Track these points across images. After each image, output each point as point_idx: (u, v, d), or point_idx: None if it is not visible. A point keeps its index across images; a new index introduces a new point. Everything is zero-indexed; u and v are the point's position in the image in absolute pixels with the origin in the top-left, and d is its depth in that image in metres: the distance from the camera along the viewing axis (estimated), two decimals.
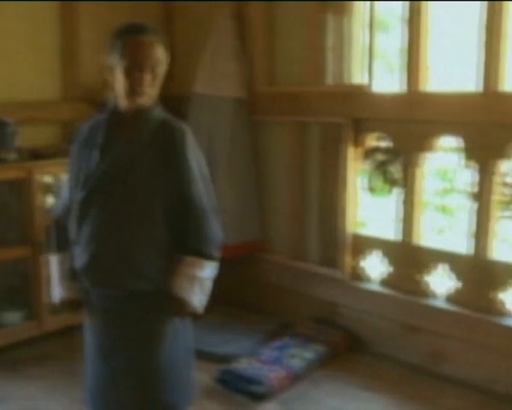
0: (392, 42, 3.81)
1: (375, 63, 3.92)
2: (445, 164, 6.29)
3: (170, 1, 5.05)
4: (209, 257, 2.47)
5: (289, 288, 4.52)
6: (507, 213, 6.41)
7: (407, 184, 3.84)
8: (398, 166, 4.87)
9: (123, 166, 2.37)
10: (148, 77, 2.33)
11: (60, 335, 4.20)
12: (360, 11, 4.08)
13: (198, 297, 2.48)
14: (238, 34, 4.55)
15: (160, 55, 2.37)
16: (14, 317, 4.11)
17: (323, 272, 4.30)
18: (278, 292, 4.59)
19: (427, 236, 4.08)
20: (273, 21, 4.51)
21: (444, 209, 6.49)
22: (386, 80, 3.82)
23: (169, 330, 2.48)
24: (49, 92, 4.59)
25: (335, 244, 4.23)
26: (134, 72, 2.32)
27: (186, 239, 2.45)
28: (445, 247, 3.89)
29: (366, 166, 6.40)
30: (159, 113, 2.46)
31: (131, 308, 2.44)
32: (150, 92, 2.38)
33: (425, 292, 3.83)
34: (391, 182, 6.97)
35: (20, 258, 4.05)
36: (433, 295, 3.81)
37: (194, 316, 2.51)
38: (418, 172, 3.79)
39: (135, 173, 2.36)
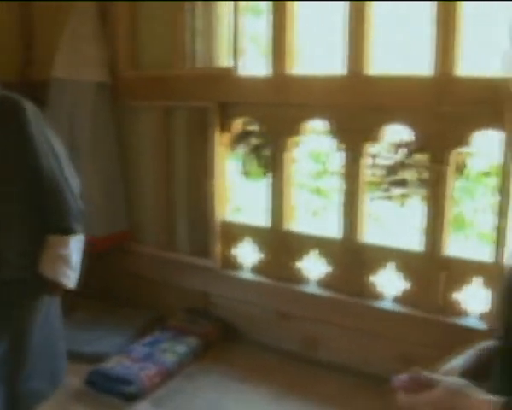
0: (264, 26, 3.70)
1: (241, 46, 3.80)
2: (318, 147, 6.30)
3: None
4: (70, 232, 2.42)
5: (161, 279, 4.36)
6: (378, 195, 6.53)
7: (276, 169, 3.76)
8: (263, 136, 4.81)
9: None
10: None
11: None
12: None
13: (67, 274, 2.44)
14: (99, 16, 4.31)
15: None
16: None
17: (195, 261, 4.18)
18: (150, 284, 4.42)
19: (302, 219, 4.03)
20: (137, 4, 4.30)
21: (318, 191, 6.52)
22: (260, 64, 3.71)
23: (35, 316, 2.44)
24: None
25: (206, 233, 4.11)
26: None
27: (46, 217, 2.40)
28: (316, 231, 3.86)
29: (240, 150, 6.32)
30: None
31: None
32: None
33: (297, 278, 3.78)
34: (265, 166, 6.95)
35: None
36: (306, 281, 3.77)
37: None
38: (287, 156, 3.73)
39: None
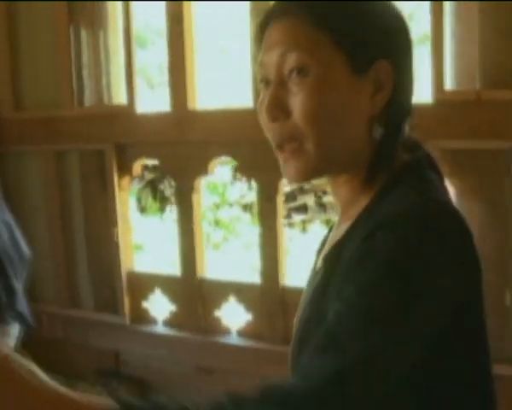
0: (151, 57, 3.40)
1: (135, 81, 3.48)
2: (215, 178, 6.07)
3: None
4: None
5: (64, 339, 3.95)
6: None
7: (183, 214, 3.46)
8: (168, 183, 4.55)
9: None
10: None
11: None
12: (116, 24, 3.62)
13: None
14: None
15: None
16: None
17: (102, 317, 3.80)
18: (54, 346, 4.00)
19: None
20: (16, 37, 3.88)
21: (218, 223, 6.28)
22: (148, 98, 3.42)
23: None
24: None
25: (112, 286, 3.75)
26: None
27: None
28: (233, 277, 3.59)
29: (134, 185, 5.99)
30: None
31: None
32: None
33: (216, 329, 3.48)
34: (161, 200, 6.63)
35: None
36: (226, 332, 3.48)
37: None
38: (195, 198, 3.43)
39: None
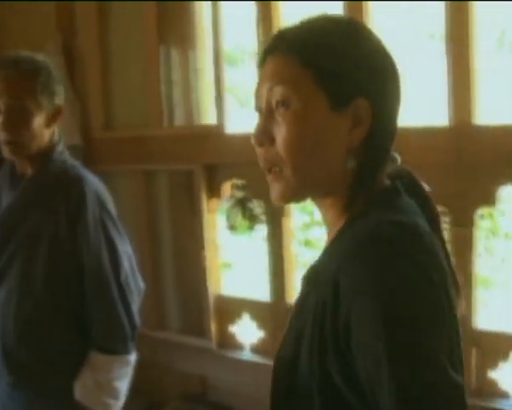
0: (241, 76, 3.32)
1: (225, 100, 3.40)
2: None
3: None
4: (116, 352, 2.07)
5: (152, 362, 3.90)
6: None
7: (271, 236, 3.35)
8: (257, 202, 4.47)
9: None
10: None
11: None
12: (204, 44, 3.55)
13: (105, 403, 2.07)
14: (67, 72, 3.91)
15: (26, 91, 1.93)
16: None
17: (188, 341, 3.73)
18: (140, 367, 3.94)
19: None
20: (108, 56, 3.90)
21: (308, 243, 6.14)
22: (241, 119, 3.33)
23: None
24: None
25: (198, 308, 3.67)
26: None
27: (88, 328, 2.05)
28: None
29: (224, 203, 5.96)
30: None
31: None
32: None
33: None
34: (251, 218, 6.56)
35: None
36: None
37: None
38: (286, 223, 3.31)
39: None
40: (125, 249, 2.14)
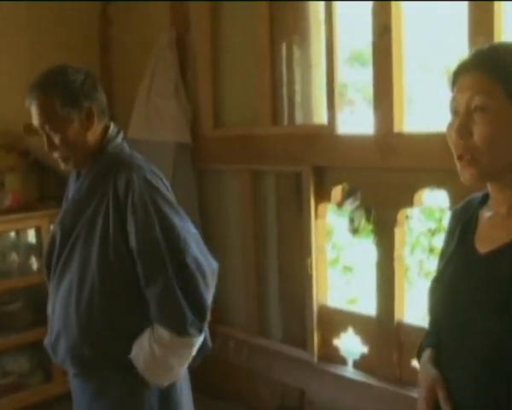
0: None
1: (337, 100, 3.18)
2: (431, 202, 5.57)
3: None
4: (177, 334, 1.99)
5: (249, 368, 3.76)
6: None
7: (381, 248, 3.10)
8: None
9: None
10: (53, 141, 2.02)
11: None
12: (320, 42, 3.36)
13: (159, 376, 2.04)
14: (179, 68, 3.84)
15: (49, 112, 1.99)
16: None
17: (288, 351, 3.56)
18: (238, 373, 3.83)
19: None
20: (219, 55, 3.82)
21: (432, 251, 5.78)
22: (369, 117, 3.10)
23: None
24: None
25: (301, 319, 3.48)
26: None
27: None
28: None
29: (348, 205, 5.75)
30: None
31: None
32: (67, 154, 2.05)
33: (411, 381, 3.07)
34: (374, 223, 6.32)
35: None
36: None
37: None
38: (396, 231, 3.05)
39: None
40: (188, 229, 2.05)
